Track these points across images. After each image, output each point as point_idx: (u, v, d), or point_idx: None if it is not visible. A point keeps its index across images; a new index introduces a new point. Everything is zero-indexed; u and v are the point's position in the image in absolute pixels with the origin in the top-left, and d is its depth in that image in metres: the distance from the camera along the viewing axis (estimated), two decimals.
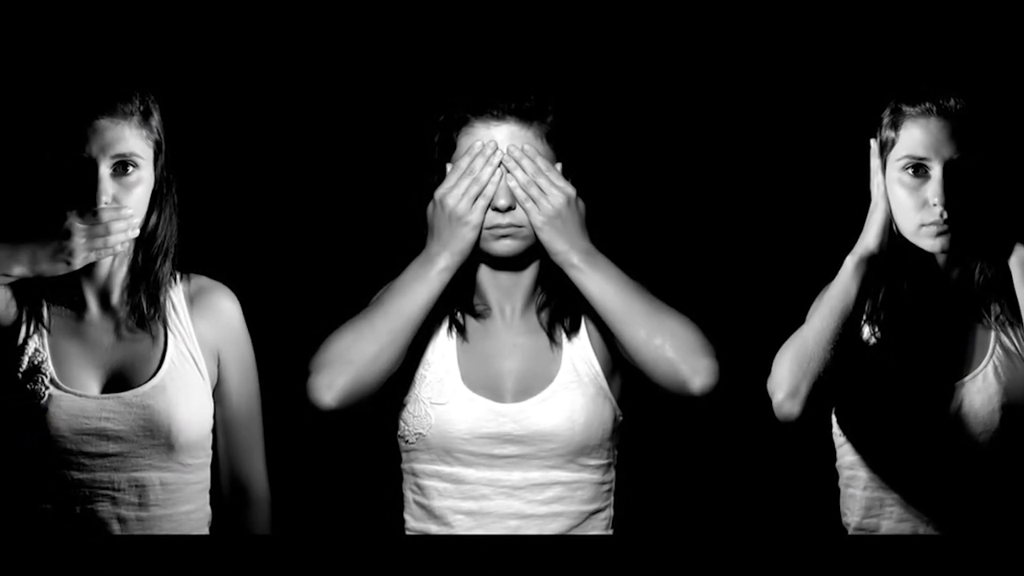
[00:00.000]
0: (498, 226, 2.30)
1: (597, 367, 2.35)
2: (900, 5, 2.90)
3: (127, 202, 2.19)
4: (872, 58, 2.88)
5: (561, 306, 2.36)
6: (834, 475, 2.41)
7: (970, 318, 2.32)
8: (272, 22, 2.94)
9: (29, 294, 2.25)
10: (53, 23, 2.85)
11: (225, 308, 2.34)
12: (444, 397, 2.32)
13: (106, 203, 2.17)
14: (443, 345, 2.35)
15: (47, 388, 2.21)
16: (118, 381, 2.24)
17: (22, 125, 2.24)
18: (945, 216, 2.21)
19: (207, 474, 2.32)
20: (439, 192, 2.30)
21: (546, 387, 2.32)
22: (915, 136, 2.23)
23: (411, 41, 2.96)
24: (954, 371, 2.30)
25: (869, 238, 2.27)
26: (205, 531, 2.32)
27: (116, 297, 2.28)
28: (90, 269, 2.24)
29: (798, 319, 2.30)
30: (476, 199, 2.28)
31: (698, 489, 2.98)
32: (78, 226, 2.15)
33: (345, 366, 2.25)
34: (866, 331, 2.34)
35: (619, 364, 2.34)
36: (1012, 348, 2.30)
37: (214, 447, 2.34)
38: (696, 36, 2.96)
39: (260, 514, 2.37)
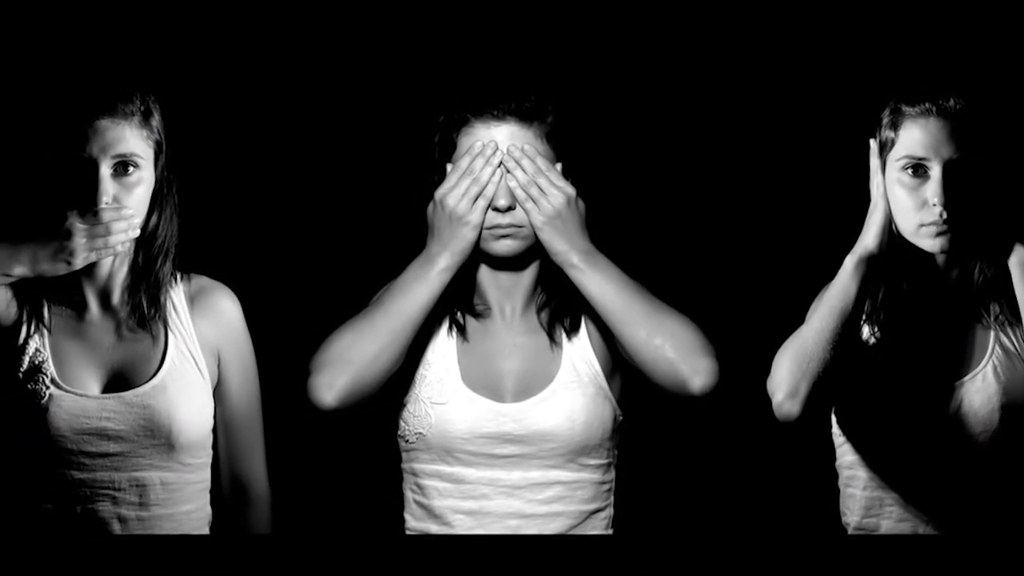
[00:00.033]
0: (498, 226, 2.30)
1: (597, 367, 2.35)
2: (900, 5, 2.91)
3: (128, 202, 2.20)
4: (872, 58, 2.88)
5: (561, 306, 2.36)
6: (834, 475, 2.41)
7: (969, 318, 2.32)
8: (272, 22, 2.94)
9: (30, 294, 2.25)
10: (54, 23, 2.85)
11: (225, 308, 2.34)
12: (444, 397, 2.32)
13: (107, 203, 2.17)
14: (443, 345, 2.36)
15: (48, 388, 2.21)
16: (119, 381, 2.25)
17: (23, 125, 2.24)
18: (944, 216, 2.21)
19: (207, 474, 2.32)
20: (439, 192, 2.30)
21: (546, 387, 2.33)
22: (914, 136, 2.24)
23: (411, 41, 2.96)
24: (953, 371, 2.30)
25: (868, 238, 2.27)
26: (205, 531, 2.33)
27: (117, 297, 2.28)
28: (91, 269, 2.24)
29: (798, 319, 2.31)
30: (476, 199, 2.29)
31: (698, 489, 2.98)
32: (79, 226, 2.15)
33: (345, 366, 2.25)
34: (866, 331, 2.34)
35: (619, 364, 2.35)
36: (1011, 348, 2.30)
37: (214, 447, 2.34)
38: (696, 36, 2.96)
39: (260, 514, 2.37)
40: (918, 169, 2.24)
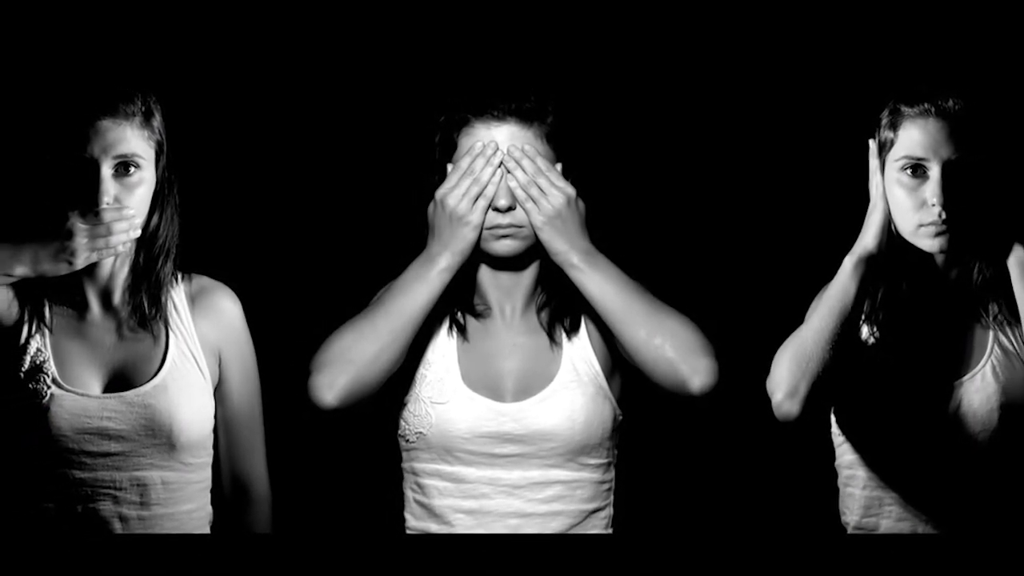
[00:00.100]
0: (498, 226, 2.30)
1: (597, 367, 2.35)
2: (900, 5, 2.91)
3: (129, 202, 2.20)
4: (872, 58, 2.88)
5: (561, 306, 2.37)
6: (833, 474, 2.41)
7: (969, 318, 2.32)
8: (273, 23, 2.95)
9: (31, 294, 2.25)
10: (55, 24, 2.85)
11: (226, 308, 2.34)
12: (444, 396, 2.33)
13: (108, 203, 2.18)
14: (443, 345, 2.36)
15: (49, 388, 2.22)
16: (120, 381, 2.25)
17: (24, 125, 2.24)
18: (944, 216, 2.21)
19: (208, 473, 2.33)
20: (440, 192, 2.30)
21: (546, 387, 2.33)
22: (913, 137, 2.24)
23: (412, 42, 2.96)
24: (953, 371, 2.30)
25: (868, 238, 2.27)
26: (206, 530, 2.33)
27: (118, 297, 2.29)
28: (92, 269, 2.25)
29: (797, 319, 2.31)
30: (476, 199, 2.29)
31: (698, 488, 2.98)
32: (80, 226, 2.15)
33: (346, 365, 2.26)
34: (865, 331, 2.34)
35: (619, 364, 2.35)
36: (1010, 348, 2.31)
37: (215, 446, 2.34)
38: (696, 36, 2.97)
39: (261, 513, 2.37)
40: (917, 169, 2.24)
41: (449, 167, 2.32)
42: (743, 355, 2.39)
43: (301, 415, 2.30)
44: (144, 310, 2.28)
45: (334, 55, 2.96)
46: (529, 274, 2.37)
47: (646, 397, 2.36)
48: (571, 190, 2.30)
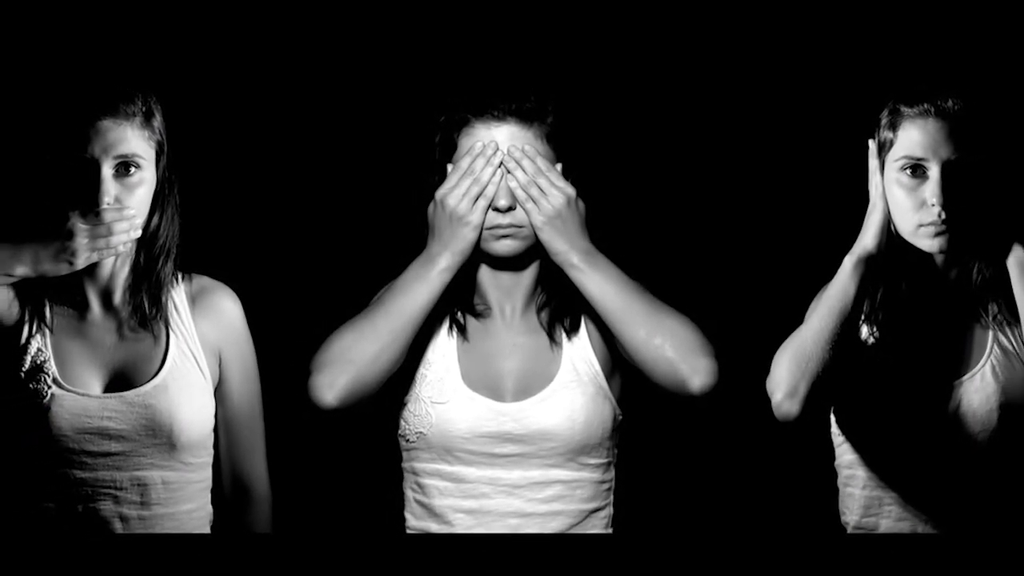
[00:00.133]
0: (498, 226, 2.31)
1: (597, 367, 2.35)
2: (900, 5, 2.91)
3: (129, 203, 2.20)
4: (871, 58, 2.88)
5: (561, 306, 2.37)
6: (833, 474, 2.42)
7: (968, 318, 2.33)
8: (273, 23, 2.95)
9: (32, 294, 2.25)
10: (56, 24, 2.86)
11: (226, 308, 2.34)
12: (444, 396, 2.33)
13: (108, 204, 2.18)
14: (444, 344, 2.36)
15: (49, 387, 2.22)
16: (120, 380, 2.25)
17: (25, 125, 2.24)
18: (943, 216, 2.21)
19: (209, 473, 2.33)
20: (440, 192, 2.30)
21: (546, 386, 2.33)
22: (913, 137, 2.24)
23: (412, 42, 2.96)
24: (952, 370, 2.30)
25: (867, 238, 2.27)
26: (207, 530, 2.33)
27: (118, 297, 2.29)
28: (92, 269, 2.25)
29: (797, 319, 2.31)
30: (477, 199, 2.29)
31: (698, 488, 2.98)
32: (80, 226, 2.16)
33: (346, 365, 2.26)
34: (864, 331, 2.34)
35: (619, 364, 2.35)
36: (1010, 347, 2.31)
37: (216, 446, 2.34)
38: (696, 36, 2.97)
39: (261, 513, 2.38)
40: (917, 169, 2.24)
41: (449, 167, 2.33)
42: (743, 355, 2.39)
43: (301, 415, 2.30)
44: (144, 310, 2.28)
45: (334, 55, 2.96)
46: (529, 274, 2.37)
47: (646, 397, 2.36)
48: (571, 190, 2.30)
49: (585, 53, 2.96)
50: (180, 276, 2.34)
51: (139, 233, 2.22)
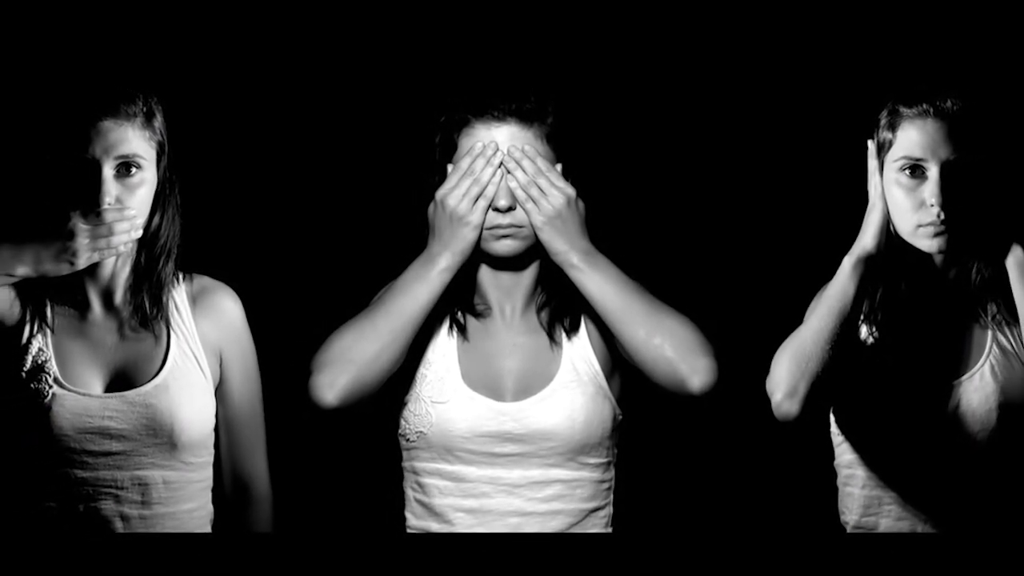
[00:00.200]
0: (499, 226, 2.31)
1: (597, 366, 2.36)
2: (899, 5, 2.91)
3: (130, 203, 2.20)
4: (870, 59, 2.88)
5: (561, 306, 2.37)
6: (832, 474, 2.42)
7: (967, 318, 2.33)
8: (274, 23, 2.95)
9: (33, 294, 2.26)
10: (56, 24, 2.86)
11: (227, 308, 2.35)
12: (445, 396, 2.33)
13: (109, 204, 2.18)
14: (444, 344, 2.36)
15: (51, 387, 2.22)
16: (121, 380, 2.25)
17: (26, 126, 2.24)
18: (942, 217, 2.22)
19: (209, 472, 2.33)
20: (440, 193, 2.31)
21: (546, 386, 2.33)
22: (912, 137, 2.24)
23: (412, 42, 2.96)
24: (951, 370, 2.31)
25: (867, 238, 2.28)
26: (207, 529, 2.33)
27: (119, 297, 2.29)
28: (93, 269, 2.25)
29: (796, 319, 2.31)
30: (477, 199, 2.29)
31: (697, 488, 2.98)
32: (81, 227, 2.16)
33: (346, 365, 2.26)
34: (864, 331, 2.34)
35: (619, 363, 2.35)
36: (1009, 347, 2.31)
37: (216, 446, 2.35)
38: (696, 36, 2.97)
39: (262, 512, 2.38)
40: (916, 170, 2.25)
41: (449, 167, 2.33)
42: (743, 355, 2.40)
43: (302, 415, 2.30)
44: (145, 310, 2.28)
45: (334, 56, 2.96)
46: (529, 274, 2.38)
47: (646, 397, 2.36)
48: (571, 190, 2.30)
49: (585, 53, 2.97)
50: (181, 276, 2.34)
51: (140, 233, 2.22)
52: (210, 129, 2.79)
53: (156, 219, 2.27)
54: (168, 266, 2.30)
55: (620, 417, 2.37)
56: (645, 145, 2.99)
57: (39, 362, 2.23)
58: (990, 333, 2.32)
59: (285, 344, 2.44)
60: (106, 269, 2.27)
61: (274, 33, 2.95)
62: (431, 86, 2.81)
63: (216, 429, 2.34)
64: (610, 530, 2.38)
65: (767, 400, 2.25)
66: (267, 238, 2.95)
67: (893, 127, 2.26)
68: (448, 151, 2.34)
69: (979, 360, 2.31)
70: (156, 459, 2.25)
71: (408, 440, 2.36)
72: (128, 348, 2.28)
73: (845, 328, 2.24)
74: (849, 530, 2.39)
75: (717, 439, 2.94)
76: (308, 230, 2.98)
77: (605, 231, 2.36)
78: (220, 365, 2.33)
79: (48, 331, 2.26)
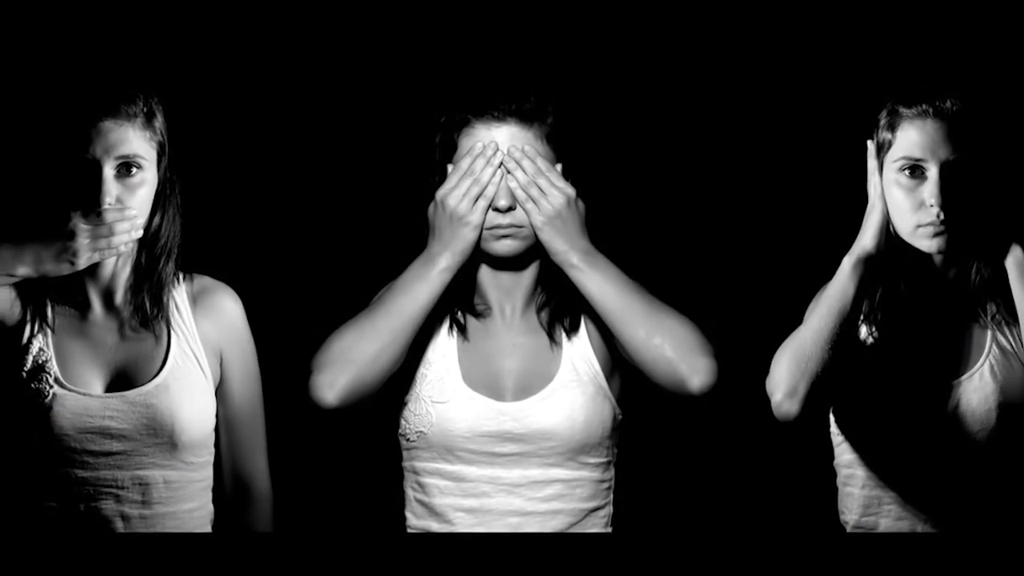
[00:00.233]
0: (499, 226, 2.31)
1: (597, 366, 2.36)
2: (899, 6, 2.91)
3: (131, 203, 2.21)
4: (870, 59, 2.88)
5: (561, 306, 2.37)
6: (832, 473, 2.42)
7: (967, 318, 2.33)
8: (274, 24, 2.95)
9: (33, 294, 2.26)
10: (57, 25, 2.86)
11: (228, 308, 2.35)
12: (445, 396, 2.33)
13: (110, 204, 2.18)
14: (444, 344, 2.37)
15: (51, 387, 2.22)
16: (122, 380, 2.26)
17: (26, 126, 2.24)
18: (942, 217, 2.22)
19: (210, 472, 2.33)
20: (440, 193, 2.31)
21: (546, 386, 2.34)
22: (911, 137, 2.24)
23: (412, 42, 2.97)
24: (951, 370, 2.31)
25: (866, 239, 2.28)
26: (208, 529, 2.33)
27: (120, 297, 2.29)
28: (94, 269, 2.25)
29: (796, 319, 2.31)
30: (477, 199, 2.29)
31: (697, 487, 2.99)
32: (82, 227, 2.16)
33: (347, 365, 2.26)
34: (863, 331, 2.35)
35: (618, 363, 2.36)
36: (1008, 347, 2.31)
37: (217, 445, 2.35)
38: (696, 37, 2.97)
39: (262, 512, 2.38)
40: (915, 170, 2.25)
41: (449, 167, 2.33)
42: (743, 355, 2.40)
43: (302, 414, 2.30)
44: (146, 310, 2.28)
45: (335, 56, 2.96)
46: (529, 274, 2.38)
47: (646, 397, 2.36)
48: (571, 190, 2.30)
49: (585, 53, 2.97)
50: (181, 276, 2.34)
51: (140, 233, 2.22)
52: (210, 129, 2.79)
53: (157, 219, 2.28)
54: (169, 266, 2.30)
55: (620, 417, 2.38)
56: (645, 145, 2.99)
57: (40, 362, 2.23)
58: (989, 333, 2.32)
59: (285, 344, 2.44)
60: (107, 269, 2.28)
61: (274, 33, 2.95)
62: (431, 86, 2.81)
63: (216, 429, 2.34)
64: (610, 530, 2.38)
65: (767, 400, 2.25)
66: (267, 238, 2.96)
67: (893, 127, 2.27)
68: (448, 151, 2.34)
69: (978, 360, 2.31)
70: (157, 459, 2.25)
71: (408, 440, 2.36)
72: (129, 348, 2.28)
73: (845, 328, 2.24)
74: (849, 530, 2.39)
75: (717, 439, 2.94)
76: (308, 230, 2.98)
77: (605, 231, 2.36)
78: (220, 365, 2.34)
79: (49, 331, 2.26)
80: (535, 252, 2.35)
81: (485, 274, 2.38)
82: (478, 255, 2.34)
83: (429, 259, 2.31)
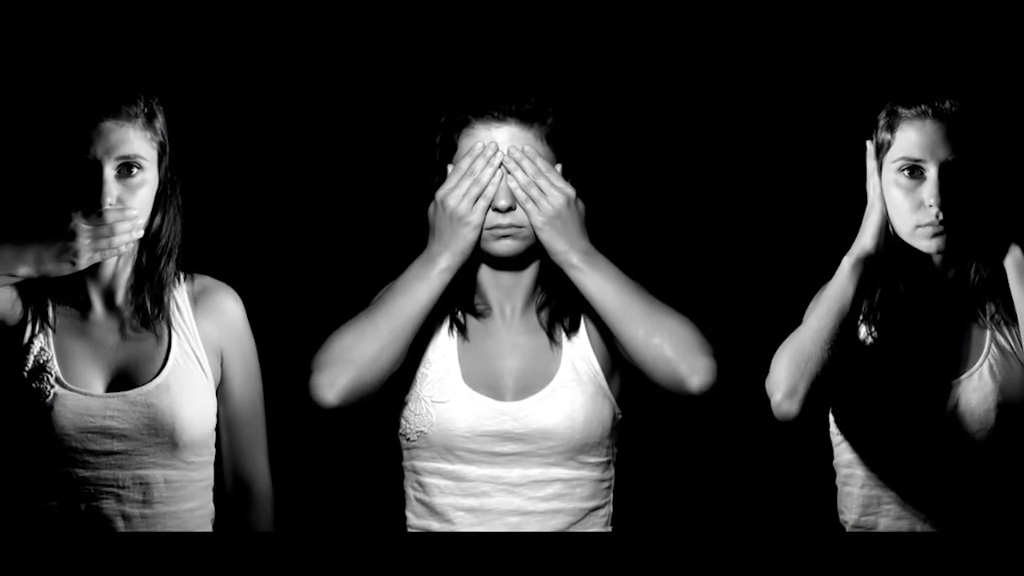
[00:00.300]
0: (499, 226, 2.31)
1: (596, 366, 2.36)
2: (898, 6, 2.91)
3: (131, 203, 2.21)
4: (869, 60, 2.88)
5: (561, 306, 2.38)
6: (832, 473, 2.42)
7: (966, 318, 2.33)
8: (274, 24, 2.95)
9: (34, 294, 2.26)
10: (58, 25, 2.86)
11: (228, 308, 2.35)
12: (445, 395, 2.34)
13: (111, 204, 2.19)
14: (444, 344, 2.37)
15: (52, 387, 2.23)
16: (122, 380, 2.26)
17: (27, 127, 2.25)
18: (941, 217, 2.22)
19: (211, 472, 2.33)
20: (440, 193, 2.31)
21: (546, 386, 2.34)
22: (910, 138, 2.25)
23: (412, 43, 2.97)
24: (950, 370, 2.31)
25: (865, 239, 2.28)
26: (209, 528, 2.34)
27: (120, 297, 2.30)
28: (95, 269, 2.26)
29: (796, 319, 2.32)
30: (477, 200, 2.30)
31: (697, 487, 2.99)
32: (83, 227, 2.16)
33: (347, 365, 2.26)
34: (863, 331, 2.35)
35: (618, 363, 2.36)
36: (1007, 347, 2.31)
37: (217, 445, 2.35)
38: (696, 37, 2.97)
39: (263, 511, 2.38)
40: (914, 171, 2.25)
41: (449, 168, 2.33)
42: (742, 355, 2.40)
43: (302, 414, 2.30)
44: (147, 310, 2.29)
45: (335, 56, 2.97)
46: (529, 274, 2.38)
47: (646, 396, 2.36)
48: (571, 190, 2.31)
49: (585, 54, 2.97)
50: (182, 276, 2.34)
51: (141, 233, 2.23)
52: (211, 129, 2.80)
53: (157, 219, 2.28)
54: (169, 266, 2.30)
55: (620, 417, 2.38)
56: (645, 145, 2.99)
57: (41, 362, 2.24)
58: (988, 333, 2.32)
59: (285, 344, 2.45)
60: (107, 269, 2.28)
61: (274, 34, 2.95)
62: (431, 87, 2.81)
63: (217, 429, 2.34)
64: (610, 529, 2.38)
65: (767, 400, 2.25)
66: (267, 238, 2.96)
67: (892, 128, 2.27)
68: (448, 151, 2.35)
69: (978, 360, 2.31)
70: (157, 458, 2.25)
71: (408, 439, 2.36)
72: (129, 348, 2.28)
73: (844, 328, 2.24)
74: (848, 529, 2.39)
75: (717, 439, 2.94)
76: (308, 230, 2.98)
77: (605, 231, 2.37)
78: (221, 365, 2.34)
79: (50, 331, 2.26)
80: (535, 252, 2.35)
81: (485, 274, 2.38)
82: (478, 255, 2.34)
83: (429, 259, 2.31)
